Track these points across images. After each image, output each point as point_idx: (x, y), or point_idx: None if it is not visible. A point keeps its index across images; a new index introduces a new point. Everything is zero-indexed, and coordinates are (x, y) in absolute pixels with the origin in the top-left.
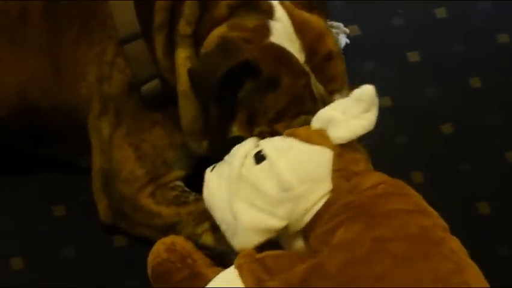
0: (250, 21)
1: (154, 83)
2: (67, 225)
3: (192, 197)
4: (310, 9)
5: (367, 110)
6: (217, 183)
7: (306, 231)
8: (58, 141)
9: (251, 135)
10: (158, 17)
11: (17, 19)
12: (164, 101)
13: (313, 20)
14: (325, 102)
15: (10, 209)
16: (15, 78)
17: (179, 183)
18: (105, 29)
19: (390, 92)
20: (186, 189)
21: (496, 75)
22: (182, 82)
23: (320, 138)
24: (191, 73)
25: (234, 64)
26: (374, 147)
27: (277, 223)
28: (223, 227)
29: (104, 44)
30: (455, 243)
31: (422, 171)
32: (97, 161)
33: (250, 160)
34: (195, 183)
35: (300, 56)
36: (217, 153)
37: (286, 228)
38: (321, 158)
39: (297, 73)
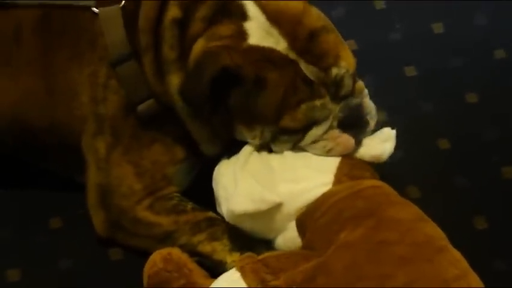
0: (225, 29)
1: (149, 103)
2: (64, 238)
3: (189, 206)
4: None
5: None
6: (227, 162)
7: (302, 224)
8: (54, 158)
9: (261, 134)
10: (143, 39)
11: (12, 38)
12: (161, 119)
13: (289, 5)
14: (324, 82)
15: (7, 221)
16: (9, 97)
17: (176, 193)
18: (96, 49)
19: (387, 106)
20: (184, 198)
21: (493, 91)
22: (182, 107)
23: None
24: (182, 95)
25: (214, 73)
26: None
27: (272, 197)
28: (220, 195)
29: (96, 66)
30: (457, 252)
31: (418, 186)
32: (93, 177)
33: (264, 151)
34: (192, 195)
35: (282, 46)
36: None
37: (280, 208)
38: (329, 157)
39: (282, 65)
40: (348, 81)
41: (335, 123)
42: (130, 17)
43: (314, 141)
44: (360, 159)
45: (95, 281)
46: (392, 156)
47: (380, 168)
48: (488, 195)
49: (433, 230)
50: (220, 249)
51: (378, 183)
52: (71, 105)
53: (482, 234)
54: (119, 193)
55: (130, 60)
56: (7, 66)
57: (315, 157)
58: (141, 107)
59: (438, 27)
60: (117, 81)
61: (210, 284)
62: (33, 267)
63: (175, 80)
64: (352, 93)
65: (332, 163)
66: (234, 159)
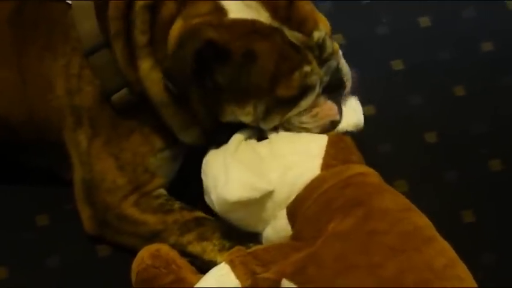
0: (201, 6)
1: (123, 92)
2: (51, 235)
3: (176, 205)
4: None
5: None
6: (215, 151)
7: (292, 213)
8: (36, 153)
9: (255, 109)
10: (113, 26)
11: None
12: (138, 108)
13: None
14: (308, 46)
15: None
16: None
17: (163, 191)
18: (68, 40)
19: (374, 100)
20: (170, 197)
21: (480, 84)
22: (155, 93)
23: None
24: (166, 73)
25: (198, 47)
26: None
27: (263, 184)
28: (210, 184)
29: (69, 57)
30: (445, 243)
31: (406, 179)
32: (78, 172)
33: (253, 140)
34: (178, 192)
35: (264, 16)
36: (217, 137)
37: (271, 196)
38: (316, 139)
39: (268, 35)
40: (329, 43)
41: (321, 89)
42: (102, 7)
43: (304, 112)
44: (345, 141)
45: (84, 278)
46: (380, 150)
47: (367, 162)
48: (476, 188)
49: (421, 220)
50: (209, 249)
51: (366, 169)
52: (47, 97)
53: (470, 228)
54: (103, 188)
55: (103, 50)
56: None
57: (302, 143)
58: (115, 97)
59: (425, 21)
60: (91, 71)
61: (199, 279)
62: (21, 265)
63: (146, 65)
64: (331, 55)
65: (319, 147)
66: (223, 148)
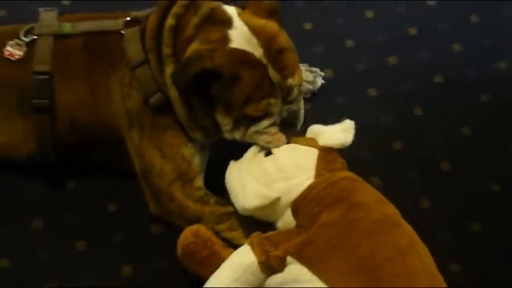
0: (213, 33)
1: (157, 96)
2: (117, 218)
3: (212, 200)
4: (267, 15)
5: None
6: (233, 166)
7: (295, 210)
8: (105, 150)
9: (231, 120)
10: (148, 44)
11: (64, 57)
12: (170, 109)
13: (268, 24)
14: (281, 86)
15: (75, 205)
16: (68, 102)
17: (202, 185)
18: (123, 59)
19: (355, 118)
20: (208, 192)
21: (435, 106)
22: (172, 91)
23: (312, 142)
24: (172, 76)
25: (197, 71)
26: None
27: (272, 193)
28: (233, 195)
29: (123, 71)
30: (408, 226)
31: (380, 176)
32: (136, 163)
33: (261, 154)
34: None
35: (258, 52)
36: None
37: (278, 201)
38: (310, 154)
39: (255, 66)
40: (296, 91)
41: (278, 121)
42: (143, 32)
43: (260, 133)
44: (332, 154)
45: (140, 252)
46: (361, 155)
47: (350, 164)
48: (431, 182)
49: (390, 210)
50: (237, 236)
51: (348, 174)
52: (107, 102)
53: (427, 212)
54: (154, 174)
55: (144, 64)
56: (64, 80)
57: (299, 158)
58: (152, 99)
59: (393, 60)
60: (136, 81)
61: (229, 253)
62: (95, 241)
63: (169, 70)
64: (295, 101)
65: (312, 161)
66: (238, 164)
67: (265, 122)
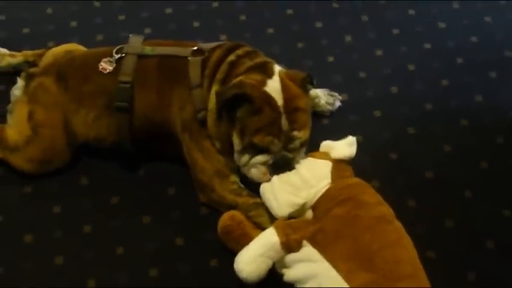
0: (257, 76)
1: (203, 113)
2: (174, 200)
3: (244, 192)
4: (299, 83)
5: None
6: (268, 183)
7: (314, 208)
8: (167, 143)
9: (242, 143)
10: (208, 71)
11: (142, 72)
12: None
13: (295, 88)
14: (286, 134)
15: (144, 186)
16: (143, 106)
17: (237, 180)
18: (185, 80)
19: (363, 133)
20: (242, 185)
21: (424, 127)
22: (211, 103)
23: (326, 156)
24: (217, 92)
25: (237, 92)
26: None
27: (299, 200)
28: (268, 205)
29: (184, 89)
30: (399, 224)
31: (378, 180)
32: (187, 159)
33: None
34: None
35: (280, 103)
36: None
37: (304, 205)
38: (326, 166)
39: (274, 109)
40: (297, 143)
41: (270, 161)
42: (204, 62)
43: (253, 166)
44: (342, 164)
45: (190, 228)
46: (365, 162)
47: (358, 170)
48: (417, 186)
49: (386, 210)
50: (264, 221)
51: (356, 180)
52: (169, 109)
53: (412, 209)
54: (198, 169)
55: (199, 87)
56: (142, 89)
57: (318, 170)
58: (199, 114)
59: (394, 89)
60: (191, 98)
61: (258, 234)
62: (155, 217)
63: (215, 89)
64: (293, 151)
65: (328, 171)
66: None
67: (264, 157)
